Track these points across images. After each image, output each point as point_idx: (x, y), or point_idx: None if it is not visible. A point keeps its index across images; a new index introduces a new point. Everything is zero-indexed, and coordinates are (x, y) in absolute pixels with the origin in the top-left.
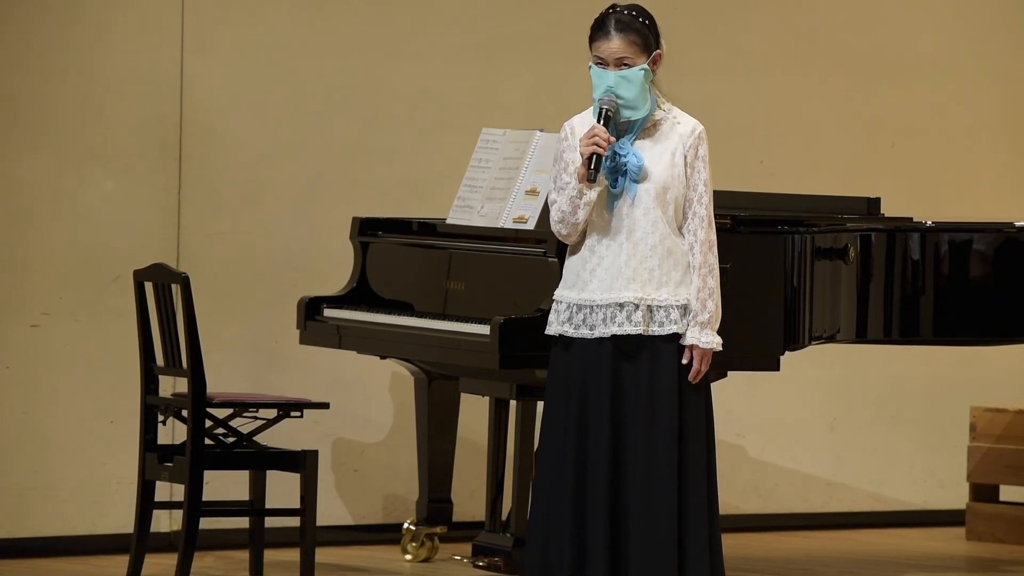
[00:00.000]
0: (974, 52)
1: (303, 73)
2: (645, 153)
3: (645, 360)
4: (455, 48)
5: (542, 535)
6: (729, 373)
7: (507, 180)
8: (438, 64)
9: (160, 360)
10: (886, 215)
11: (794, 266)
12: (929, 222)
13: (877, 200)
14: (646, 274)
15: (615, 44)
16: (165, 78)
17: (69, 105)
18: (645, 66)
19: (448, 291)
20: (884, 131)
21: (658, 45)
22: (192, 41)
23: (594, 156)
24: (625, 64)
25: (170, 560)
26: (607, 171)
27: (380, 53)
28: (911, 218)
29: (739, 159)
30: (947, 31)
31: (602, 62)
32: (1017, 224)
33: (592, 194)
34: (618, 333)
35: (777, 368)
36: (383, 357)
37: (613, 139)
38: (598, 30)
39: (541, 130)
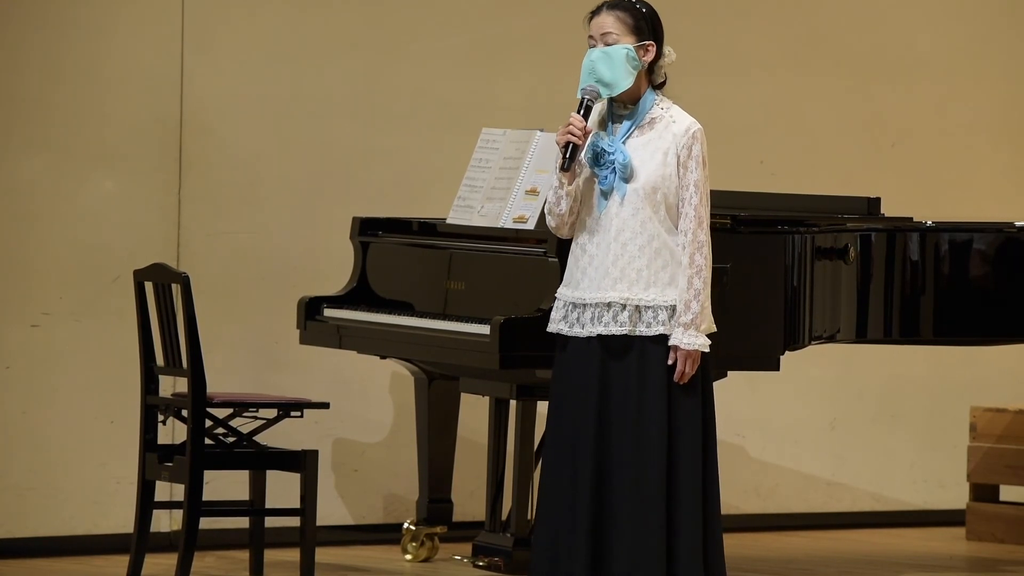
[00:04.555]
0: (974, 52)
1: (303, 73)
2: (638, 151)
3: (633, 360)
4: (455, 48)
5: (549, 533)
6: (729, 373)
7: (507, 180)
8: (438, 64)
9: (160, 360)
10: (886, 215)
11: (794, 266)
12: (929, 222)
13: (877, 200)
14: (634, 274)
15: (603, 18)
16: (165, 78)
17: (69, 105)
18: (630, 47)
19: (448, 291)
20: (884, 131)
21: (653, 38)
22: (192, 41)
23: (569, 145)
24: (609, 41)
25: (170, 560)
26: (592, 165)
27: (380, 53)
28: (911, 218)
29: (739, 159)
30: (947, 31)
31: (592, 42)
32: (1017, 224)
33: (571, 186)
34: (604, 333)
35: (777, 368)
36: (383, 357)
37: (590, 129)
38: (593, 10)
39: (541, 130)
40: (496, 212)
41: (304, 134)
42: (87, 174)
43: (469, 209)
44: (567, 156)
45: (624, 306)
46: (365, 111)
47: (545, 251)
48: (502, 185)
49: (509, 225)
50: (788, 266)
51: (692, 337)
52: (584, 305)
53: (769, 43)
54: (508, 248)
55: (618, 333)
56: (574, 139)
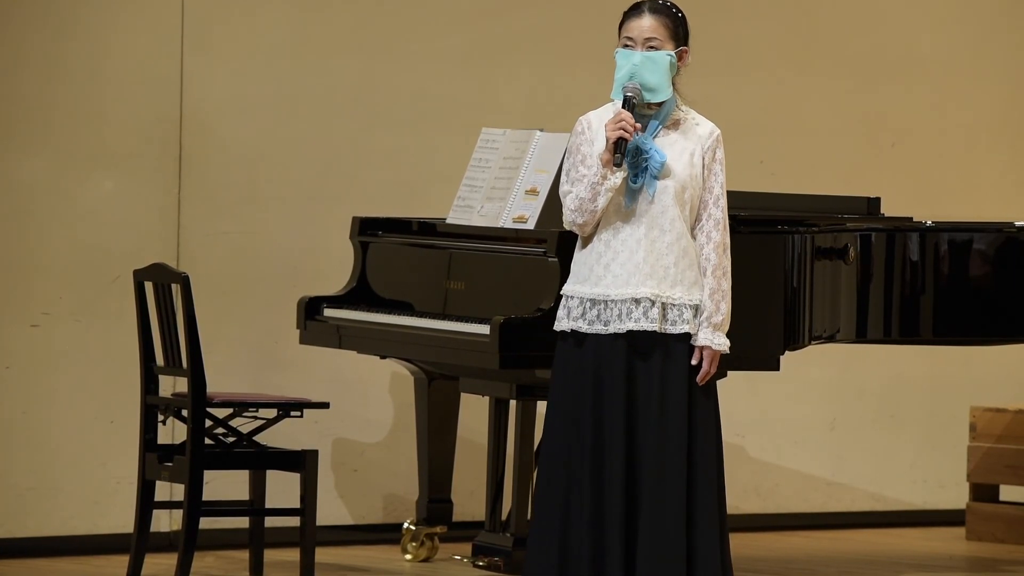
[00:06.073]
0: (974, 52)
1: (303, 73)
2: (665, 151)
3: (658, 359)
4: (455, 48)
5: (557, 530)
6: (729, 373)
7: (507, 180)
8: (438, 64)
9: (160, 360)
10: (886, 215)
11: (794, 266)
12: (929, 222)
13: (877, 200)
14: (662, 271)
15: (646, 22)
16: (165, 78)
17: (69, 105)
18: (672, 53)
19: (448, 291)
20: (884, 131)
21: (686, 43)
22: (192, 41)
23: (621, 140)
24: (652, 46)
25: (170, 560)
26: (629, 164)
27: (380, 53)
28: (911, 218)
29: (739, 159)
30: (947, 31)
31: (630, 43)
32: (1017, 224)
33: (615, 179)
34: (634, 329)
35: (777, 368)
36: (383, 357)
37: (639, 125)
38: (631, 11)
39: (541, 130)
40: (496, 212)
41: (304, 134)
42: (87, 174)
43: (469, 209)
44: (619, 151)
45: (654, 302)
46: (365, 111)
47: (545, 251)
48: (502, 185)
49: (509, 225)
50: (788, 266)
51: (721, 338)
52: (607, 302)
53: (769, 43)
54: (508, 248)
55: (648, 329)
56: (626, 134)
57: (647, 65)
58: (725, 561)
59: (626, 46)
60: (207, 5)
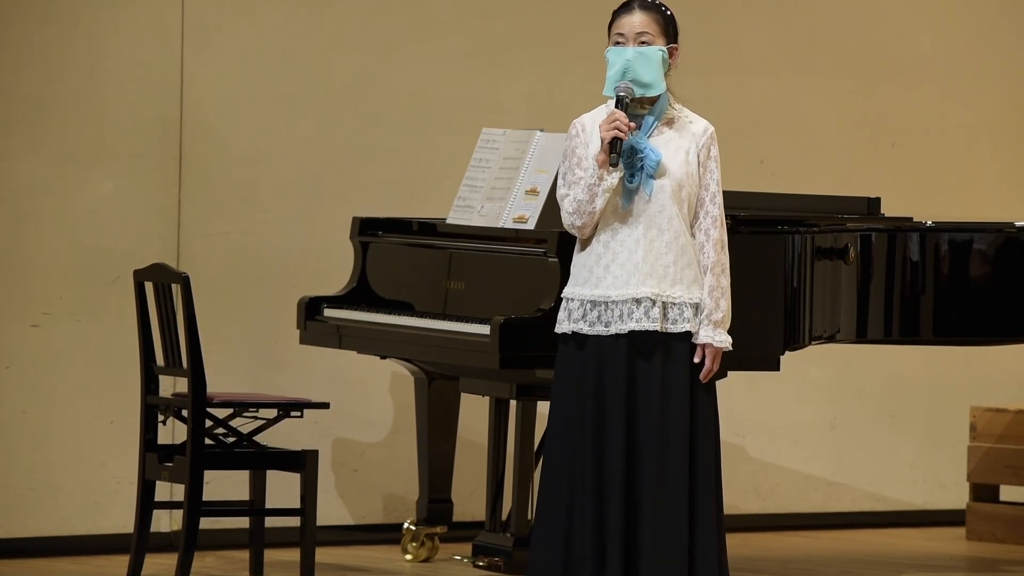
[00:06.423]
0: (974, 52)
1: (303, 73)
2: (660, 149)
3: (659, 358)
4: (455, 48)
5: (561, 531)
6: (729, 373)
7: (507, 180)
8: (438, 64)
9: (160, 360)
10: (886, 215)
11: (794, 266)
12: (929, 222)
13: (877, 200)
14: (661, 271)
15: (637, 19)
16: (165, 78)
17: (69, 105)
18: (664, 49)
19: (448, 291)
20: (884, 131)
21: (676, 40)
22: (192, 41)
23: (616, 141)
24: (644, 41)
25: (170, 560)
26: (624, 164)
27: (380, 53)
28: (911, 218)
29: (739, 159)
30: (948, 31)
31: (622, 40)
32: (1017, 224)
33: (612, 179)
34: (636, 329)
35: (777, 368)
36: (383, 357)
37: (633, 125)
38: (621, 9)
39: (541, 130)
40: (496, 212)
41: (304, 134)
42: (87, 174)
43: (469, 209)
44: (615, 151)
45: (655, 302)
46: (365, 111)
47: (545, 251)
48: (502, 185)
49: (509, 225)
50: (788, 266)
51: (722, 335)
52: (607, 303)
53: (769, 43)
54: (508, 248)
55: (650, 329)
56: (621, 134)
57: (640, 61)
58: (722, 560)
59: (617, 43)
60: (207, 5)
